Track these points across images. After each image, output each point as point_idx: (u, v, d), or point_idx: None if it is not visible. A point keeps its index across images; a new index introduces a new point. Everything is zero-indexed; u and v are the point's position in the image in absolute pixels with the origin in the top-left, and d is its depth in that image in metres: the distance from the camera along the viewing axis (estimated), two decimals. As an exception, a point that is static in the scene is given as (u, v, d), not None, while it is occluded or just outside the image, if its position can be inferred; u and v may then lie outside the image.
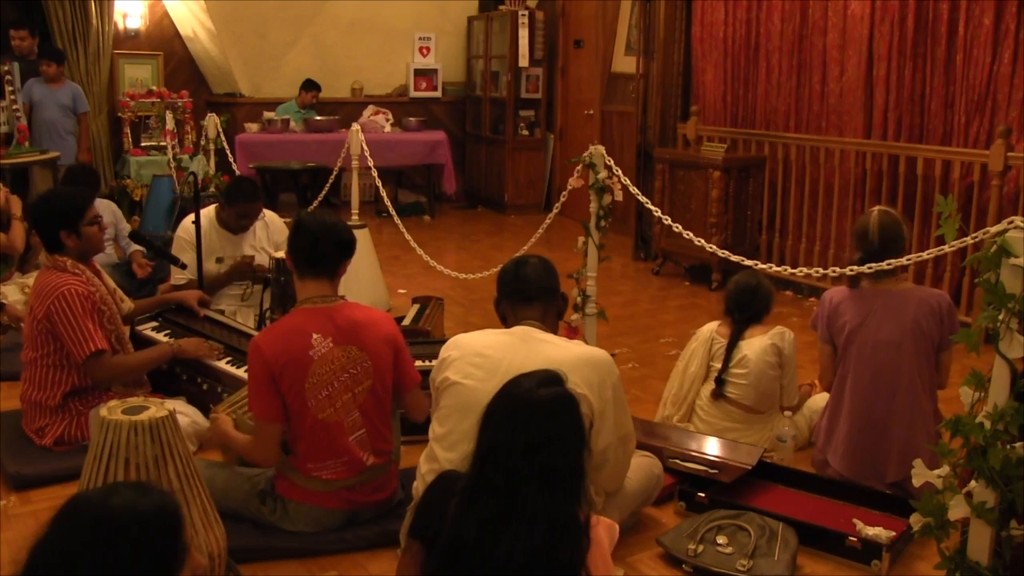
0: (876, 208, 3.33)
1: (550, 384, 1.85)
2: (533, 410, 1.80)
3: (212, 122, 6.96)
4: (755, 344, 3.54)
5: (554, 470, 1.76)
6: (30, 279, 4.50)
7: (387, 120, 9.16)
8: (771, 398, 3.59)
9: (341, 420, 2.76)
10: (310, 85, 8.79)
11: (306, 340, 2.72)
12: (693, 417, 3.66)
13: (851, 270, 2.99)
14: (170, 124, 7.79)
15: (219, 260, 4.53)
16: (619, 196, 3.66)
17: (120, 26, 8.62)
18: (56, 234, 3.38)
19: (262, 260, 4.51)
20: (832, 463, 3.27)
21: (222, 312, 4.29)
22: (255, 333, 3.89)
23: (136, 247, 5.47)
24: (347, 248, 2.85)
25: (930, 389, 3.20)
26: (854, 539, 2.78)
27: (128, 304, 3.76)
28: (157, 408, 2.33)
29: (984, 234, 2.35)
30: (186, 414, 3.38)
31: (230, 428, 2.91)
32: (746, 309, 3.61)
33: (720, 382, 3.56)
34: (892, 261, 2.96)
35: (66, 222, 3.37)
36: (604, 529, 1.92)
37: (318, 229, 2.80)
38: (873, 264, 2.93)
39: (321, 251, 2.79)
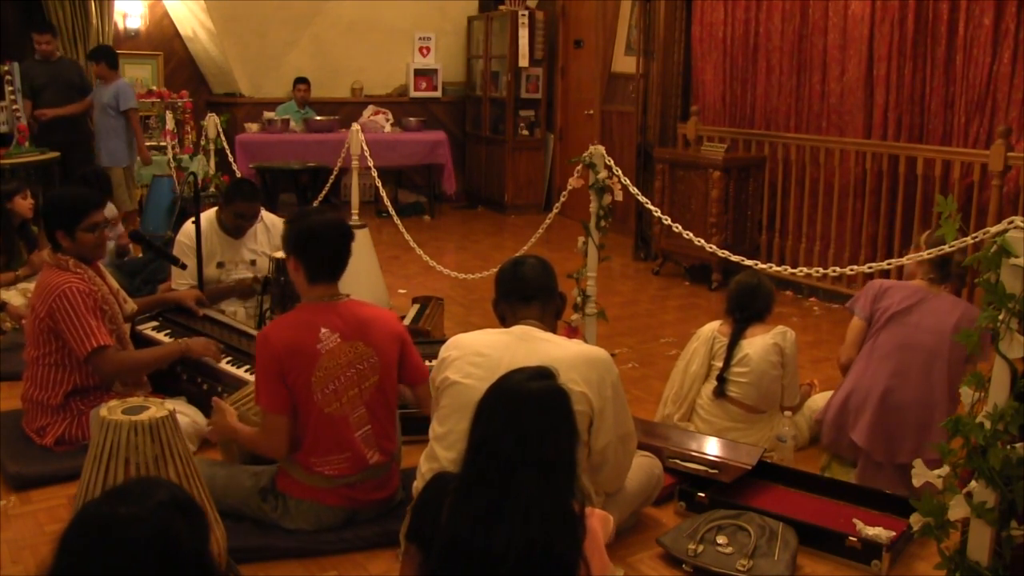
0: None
1: (541, 378, 1.86)
2: (523, 403, 1.81)
3: (212, 122, 6.96)
4: (757, 343, 3.54)
5: (546, 463, 1.76)
6: (31, 284, 4.49)
7: (387, 120, 9.15)
8: (772, 397, 3.59)
9: (347, 415, 2.76)
10: (299, 80, 8.78)
11: (314, 333, 2.74)
12: (694, 416, 3.66)
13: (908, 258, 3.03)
14: (170, 124, 7.79)
15: (220, 265, 4.49)
16: (619, 196, 3.67)
17: (120, 26, 8.63)
18: (53, 232, 3.39)
19: (262, 264, 4.48)
20: (854, 436, 3.28)
21: (222, 311, 4.29)
22: (255, 333, 3.89)
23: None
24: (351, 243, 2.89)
25: (952, 388, 3.21)
26: (854, 539, 2.78)
27: (131, 305, 3.76)
28: (157, 408, 2.33)
29: (984, 234, 2.35)
30: (186, 414, 3.38)
31: (234, 420, 2.91)
32: (747, 308, 3.61)
33: (721, 380, 3.56)
34: (894, 261, 2.99)
35: (62, 223, 3.37)
36: (598, 520, 1.92)
37: (332, 234, 2.81)
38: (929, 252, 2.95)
39: (342, 257, 2.83)
